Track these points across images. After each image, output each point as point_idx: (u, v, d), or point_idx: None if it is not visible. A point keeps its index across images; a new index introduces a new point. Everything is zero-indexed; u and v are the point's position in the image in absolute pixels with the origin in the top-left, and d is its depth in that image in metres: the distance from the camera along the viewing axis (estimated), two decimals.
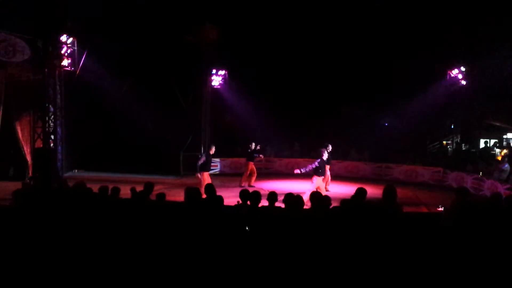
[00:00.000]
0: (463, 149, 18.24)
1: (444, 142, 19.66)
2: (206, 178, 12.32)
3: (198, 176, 12.54)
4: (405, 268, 4.18)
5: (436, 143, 19.85)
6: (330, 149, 13.45)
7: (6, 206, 6.48)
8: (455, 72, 16.60)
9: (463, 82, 16.48)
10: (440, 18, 15.69)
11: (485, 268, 4.10)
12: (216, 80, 18.83)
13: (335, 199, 6.79)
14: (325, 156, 12.08)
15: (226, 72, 19.00)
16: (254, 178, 14.98)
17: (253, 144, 15.19)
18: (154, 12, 15.69)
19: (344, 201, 6.10)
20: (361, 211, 5.59)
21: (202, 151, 12.47)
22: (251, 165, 14.98)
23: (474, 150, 17.86)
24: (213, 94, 19.14)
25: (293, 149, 20.12)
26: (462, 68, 16.40)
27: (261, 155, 15.47)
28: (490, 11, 14.50)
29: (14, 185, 10.46)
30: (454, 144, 18.84)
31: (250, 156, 15.09)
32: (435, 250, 4.34)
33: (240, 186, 14.23)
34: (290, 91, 18.56)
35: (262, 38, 17.51)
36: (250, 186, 14.47)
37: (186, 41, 16.88)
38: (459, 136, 18.89)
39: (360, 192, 6.54)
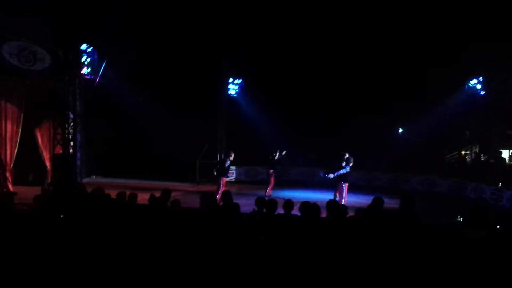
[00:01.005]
0: (482, 159, 17.96)
1: (463, 152, 19.40)
2: (223, 183, 12.35)
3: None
4: (424, 278, 4.12)
5: (454, 153, 19.60)
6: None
7: (26, 210, 6.59)
8: (473, 82, 16.42)
9: (482, 92, 16.28)
10: (458, 28, 15.56)
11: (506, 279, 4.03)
12: (233, 89, 18.95)
13: (351, 208, 6.77)
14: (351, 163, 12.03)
15: (243, 81, 19.11)
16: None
17: (278, 152, 15.08)
18: (171, 21, 15.87)
19: (359, 210, 6.06)
20: (378, 220, 5.54)
21: (223, 157, 12.70)
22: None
23: (493, 161, 17.57)
24: (229, 102, 19.27)
25: (308, 157, 20.04)
26: (481, 78, 16.22)
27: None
28: (509, 20, 14.33)
29: (33, 190, 10.62)
30: (473, 155, 18.57)
31: (273, 165, 14.99)
32: (456, 260, 4.28)
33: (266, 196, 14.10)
34: (306, 99, 18.56)
35: (279, 47, 17.57)
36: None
37: (202, 50, 17.04)
38: (477, 146, 18.62)
39: (377, 201, 6.48)
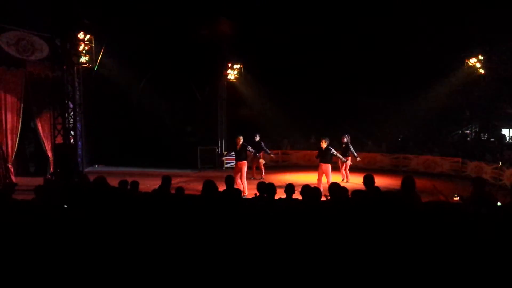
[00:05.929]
0: (482, 138, 17.98)
1: (463, 131, 19.41)
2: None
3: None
4: (426, 256, 4.16)
5: (454, 133, 19.61)
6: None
7: (29, 200, 6.61)
8: (473, 61, 16.32)
9: (481, 71, 16.20)
10: (457, 7, 15.44)
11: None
12: (232, 74, 18.91)
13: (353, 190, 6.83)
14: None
15: (242, 66, 19.05)
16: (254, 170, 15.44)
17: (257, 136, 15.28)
18: (169, 7, 15.79)
19: (355, 192, 6.10)
20: (379, 201, 5.58)
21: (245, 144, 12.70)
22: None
23: (493, 140, 17.59)
24: (228, 87, 19.22)
25: (309, 141, 20.07)
26: (480, 57, 16.13)
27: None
28: None
29: (35, 181, 10.69)
30: (473, 134, 18.58)
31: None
32: (457, 238, 4.31)
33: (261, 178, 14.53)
34: (306, 83, 18.50)
35: (277, 31, 17.47)
36: (253, 178, 14.95)
37: (201, 36, 16.98)
38: (478, 126, 18.62)
39: (367, 179, 6.78)
